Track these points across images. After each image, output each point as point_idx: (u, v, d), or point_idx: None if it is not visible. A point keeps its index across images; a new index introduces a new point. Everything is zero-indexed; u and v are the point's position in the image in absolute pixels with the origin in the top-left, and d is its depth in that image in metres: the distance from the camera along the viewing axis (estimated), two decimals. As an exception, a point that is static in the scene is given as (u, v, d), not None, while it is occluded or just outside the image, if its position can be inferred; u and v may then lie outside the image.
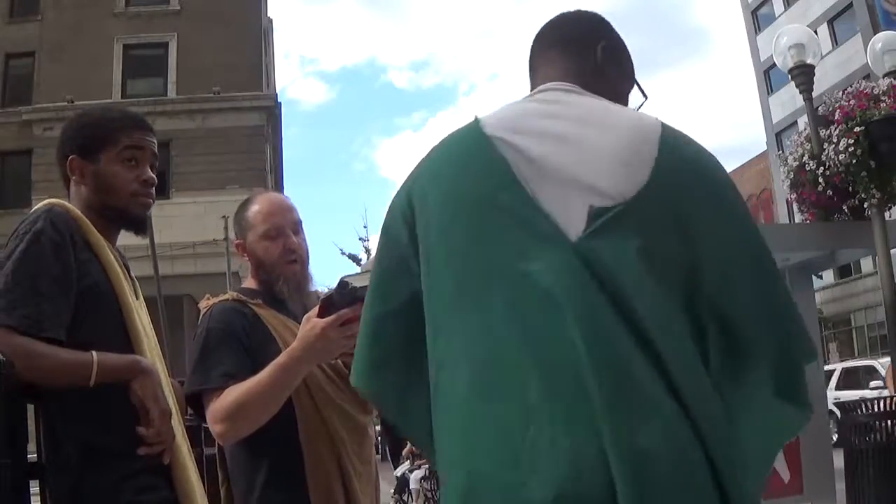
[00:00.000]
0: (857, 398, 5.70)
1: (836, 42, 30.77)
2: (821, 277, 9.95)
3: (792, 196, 5.66)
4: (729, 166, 21.56)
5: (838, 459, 5.11)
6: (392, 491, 13.18)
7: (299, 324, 1.98)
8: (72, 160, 1.83)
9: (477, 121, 1.34)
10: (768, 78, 35.44)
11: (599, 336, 1.14)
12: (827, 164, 5.17)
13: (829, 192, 5.25)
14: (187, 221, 19.97)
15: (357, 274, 1.90)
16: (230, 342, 1.99)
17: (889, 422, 4.86)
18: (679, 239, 1.20)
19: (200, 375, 1.97)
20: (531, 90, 1.44)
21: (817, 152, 5.23)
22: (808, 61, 5.51)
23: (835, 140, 5.11)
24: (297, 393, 1.97)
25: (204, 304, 2.12)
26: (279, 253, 2.11)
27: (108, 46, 23.01)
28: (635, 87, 1.50)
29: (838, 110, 5.21)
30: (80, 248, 1.72)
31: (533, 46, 1.49)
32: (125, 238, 1.90)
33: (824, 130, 5.24)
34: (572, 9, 1.51)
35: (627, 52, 1.49)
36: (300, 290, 2.14)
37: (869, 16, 28.90)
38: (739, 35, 57.43)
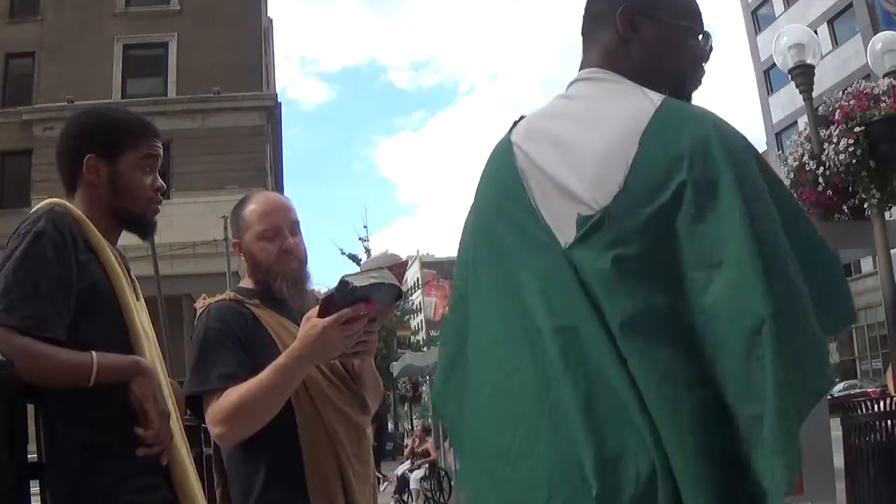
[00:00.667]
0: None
1: (835, 42, 30.77)
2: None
3: (792, 196, 5.65)
4: (729, 166, 21.28)
5: (838, 459, 5.11)
6: (391, 490, 13.16)
7: (297, 324, 1.97)
8: (89, 158, 1.82)
9: (514, 124, 1.36)
10: (768, 78, 35.43)
11: (576, 347, 1.15)
12: (827, 164, 5.17)
13: (829, 192, 5.25)
14: (187, 221, 19.94)
15: (357, 273, 1.88)
16: (229, 343, 1.97)
17: (889, 422, 4.85)
18: (657, 238, 1.15)
19: (200, 377, 1.95)
20: None
21: (817, 152, 5.23)
22: (808, 61, 5.51)
23: (835, 140, 5.12)
24: (296, 394, 1.96)
25: (200, 304, 2.10)
26: (276, 253, 2.08)
27: (108, 46, 23.00)
28: (687, 32, 1.33)
29: (838, 110, 5.21)
30: (80, 249, 1.71)
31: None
32: (125, 238, 1.90)
33: (824, 130, 5.24)
34: None
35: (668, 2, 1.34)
36: (298, 290, 2.11)
37: (869, 16, 28.91)
38: (739, 35, 57.44)
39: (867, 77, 6.59)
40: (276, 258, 2.08)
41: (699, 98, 1.38)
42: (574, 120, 1.29)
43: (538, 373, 1.17)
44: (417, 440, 14.20)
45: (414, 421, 32.63)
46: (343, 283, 1.81)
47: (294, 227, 2.13)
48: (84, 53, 22.31)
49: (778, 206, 1.15)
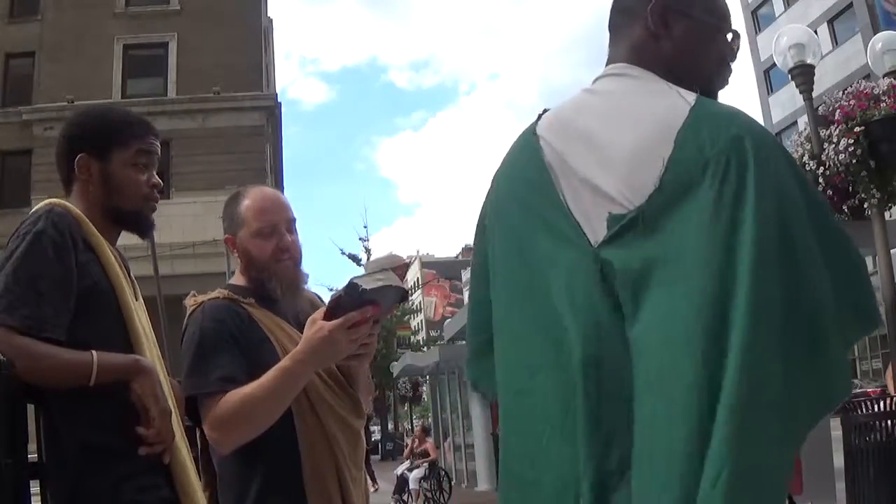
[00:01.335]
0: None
1: (836, 42, 30.77)
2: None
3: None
4: (729, 166, 21.29)
5: (838, 459, 5.10)
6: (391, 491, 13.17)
7: (291, 324, 1.94)
8: (80, 158, 1.82)
9: (539, 116, 1.34)
10: (768, 78, 35.43)
11: (597, 345, 1.15)
12: (827, 164, 5.17)
13: (829, 192, 5.26)
14: (187, 221, 19.92)
15: (366, 275, 1.85)
16: (226, 343, 1.91)
17: (889, 422, 4.85)
18: (684, 241, 1.13)
19: (197, 379, 1.90)
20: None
21: (817, 152, 5.23)
22: (808, 61, 5.52)
23: (835, 140, 5.12)
24: (296, 399, 1.90)
25: (191, 302, 2.03)
26: (272, 252, 2.02)
27: (108, 46, 22.98)
28: (717, 30, 1.32)
29: (838, 110, 5.22)
30: (80, 249, 1.71)
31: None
32: (125, 238, 1.89)
33: (824, 130, 5.24)
34: None
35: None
36: (293, 290, 2.06)
37: (869, 16, 28.91)
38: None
39: (867, 77, 6.60)
40: (272, 256, 2.02)
41: (698, 97, 1.37)
42: (604, 116, 1.26)
43: (561, 375, 1.17)
44: (417, 440, 14.21)
45: (414, 421, 32.62)
46: (352, 285, 1.77)
47: (290, 225, 2.08)
48: (84, 53, 22.30)
49: (808, 209, 1.15)
